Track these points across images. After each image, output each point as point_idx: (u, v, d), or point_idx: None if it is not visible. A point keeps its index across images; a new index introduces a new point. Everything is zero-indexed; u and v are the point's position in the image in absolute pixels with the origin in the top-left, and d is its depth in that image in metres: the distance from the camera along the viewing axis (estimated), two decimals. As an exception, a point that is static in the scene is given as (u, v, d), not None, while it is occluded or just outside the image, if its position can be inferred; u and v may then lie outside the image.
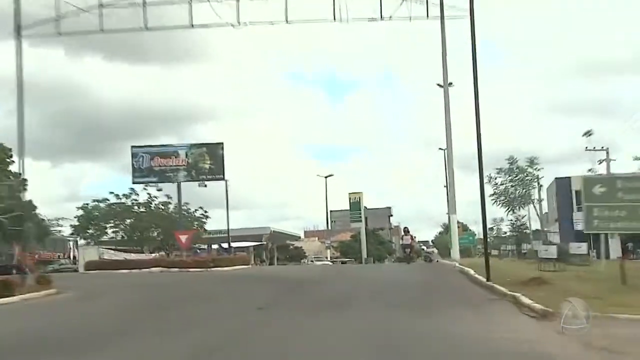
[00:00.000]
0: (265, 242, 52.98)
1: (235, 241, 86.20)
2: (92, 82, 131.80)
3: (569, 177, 62.11)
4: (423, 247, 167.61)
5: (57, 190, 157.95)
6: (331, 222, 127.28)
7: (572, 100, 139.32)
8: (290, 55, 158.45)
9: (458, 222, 78.53)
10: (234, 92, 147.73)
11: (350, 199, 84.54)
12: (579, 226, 61.46)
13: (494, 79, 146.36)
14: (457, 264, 22.70)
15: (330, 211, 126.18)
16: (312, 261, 66.78)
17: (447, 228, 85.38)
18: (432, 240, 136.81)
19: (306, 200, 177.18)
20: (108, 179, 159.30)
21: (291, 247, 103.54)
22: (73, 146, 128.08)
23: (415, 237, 44.53)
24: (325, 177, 63.49)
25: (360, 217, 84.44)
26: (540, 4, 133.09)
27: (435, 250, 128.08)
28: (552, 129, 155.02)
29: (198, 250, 40.90)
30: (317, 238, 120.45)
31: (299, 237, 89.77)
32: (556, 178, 63.18)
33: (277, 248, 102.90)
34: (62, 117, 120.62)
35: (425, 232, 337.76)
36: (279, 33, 79.63)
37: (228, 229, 45.81)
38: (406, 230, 33.08)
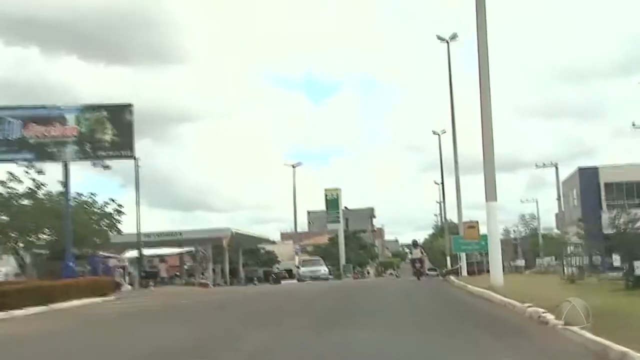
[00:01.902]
0: (194, 250, 37.33)
1: (184, 246, 72.00)
2: (69, 82, 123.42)
3: (596, 168, 48.47)
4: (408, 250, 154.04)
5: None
6: (308, 223, 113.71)
7: (552, 104, 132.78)
8: (270, 56, 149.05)
9: (452, 223, 64.48)
10: (213, 93, 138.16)
11: (326, 196, 70.20)
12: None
13: (472, 79, 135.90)
14: (550, 316, 8.45)
15: (308, 212, 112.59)
16: (297, 268, 48.72)
17: (441, 229, 71.41)
18: (413, 240, 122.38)
19: (287, 202, 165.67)
20: (87, 178, 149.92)
21: (262, 251, 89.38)
22: None
23: (425, 253, 35.32)
24: (293, 166, 49.55)
25: (339, 217, 70.12)
26: (523, 6, 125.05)
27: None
28: (531, 132, 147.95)
29: (70, 264, 26.24)
30: (292, 241, 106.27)
31: (268, 240, 75.31)
32: (579, 168, 49.44)
33: (244, 253, 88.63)
34: None
35: (407, 236, 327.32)
36: (258, 32, 67.50)
37: (139, 231, 30.43)
38: (415, 244, 30.71)
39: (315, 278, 38.01)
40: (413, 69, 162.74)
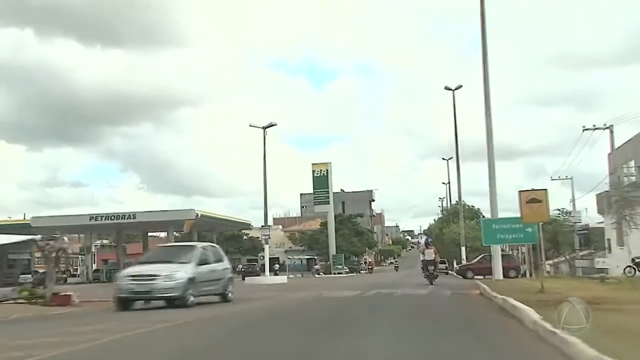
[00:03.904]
0: (41, 238, 21.65)
1: (143, 230, 60.05)
2: (65, 64, 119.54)
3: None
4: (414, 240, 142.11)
5: (35, 174, 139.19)
6: (301, 207, 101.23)
7: (549, 92, 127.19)
8: (270, 41, 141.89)
9: (466, 206, 51.21)
10: (212, 77, 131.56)
11: (314, 172, 57.04)
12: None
13: (472, 67, 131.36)
14: None
15: (301, 194, 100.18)
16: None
17: (452, 213, 57.79)
18: (424, 232, 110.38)
19: (287, 187, 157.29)
20: (87, 163, 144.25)
21: (245, 237, 77.05)
22: (50, 130, 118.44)
23: (437, 252, 27.53)
24: (264, 128, 36.79)
25: (328, 197, 57.10)
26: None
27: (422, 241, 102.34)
28: (529, 120, 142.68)
29: None
30: (281, 226, 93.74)
31: (248, 224, 62.60)
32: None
33: (226, 240, 76.22)
34: (35, 99, 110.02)
35: (407, 223, 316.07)
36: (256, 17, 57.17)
37: None
38: (428, 243, 26.40)
39: (145, 296, 14.52)
40: (413, 56, 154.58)
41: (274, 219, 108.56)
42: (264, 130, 37.52)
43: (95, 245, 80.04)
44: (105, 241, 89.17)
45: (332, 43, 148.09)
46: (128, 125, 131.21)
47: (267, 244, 39.44)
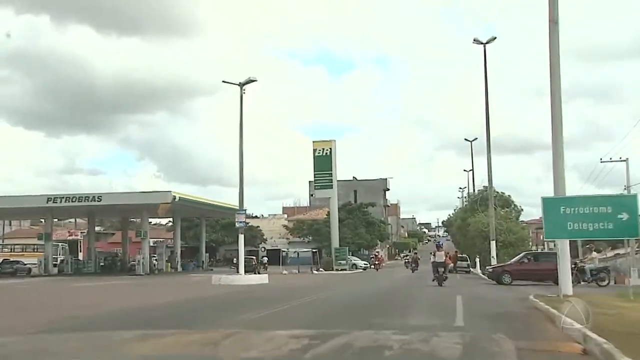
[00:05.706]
0: None
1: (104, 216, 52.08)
2: (81, 52, 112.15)
3: None
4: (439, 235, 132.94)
5: (52, 160, 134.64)
6: (310, 195, 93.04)
7: (568, 85, 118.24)
8: (287, 31, 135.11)
9: (496, 192, 41.41)
10: (228, 66, 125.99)
11: (315, 152, 48.08)
12: None
13: (490, 59, 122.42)
14: None
15: (309, 182, 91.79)
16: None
17: (478, 201, 47.56)
18: (442, 222, 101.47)
19: (299, 177, 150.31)
20: (104, 151, 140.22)
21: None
22: (67, 117, 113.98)
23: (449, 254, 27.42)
24: (241, 85, 28.29)
25: (331, 181, 48.14)
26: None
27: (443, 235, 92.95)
28: (547, 113, 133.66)
29: None
30: (286, 215, 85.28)
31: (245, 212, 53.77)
32: None
33: (223, 228, 67.92)
34: (53, 86, 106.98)
35: (423, 215, 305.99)
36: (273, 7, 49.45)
37: None
38: (439, 245, 25.62)
39: None
40: (429, 48, 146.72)
41: (283, 208, 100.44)
42: (241, 88, 28.95)
43: (82, 232, 72.34)
44: (98, 227, 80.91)
45: (350, 34, 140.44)
46: (144, 113, 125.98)
47: (242, 233, 30.87)
